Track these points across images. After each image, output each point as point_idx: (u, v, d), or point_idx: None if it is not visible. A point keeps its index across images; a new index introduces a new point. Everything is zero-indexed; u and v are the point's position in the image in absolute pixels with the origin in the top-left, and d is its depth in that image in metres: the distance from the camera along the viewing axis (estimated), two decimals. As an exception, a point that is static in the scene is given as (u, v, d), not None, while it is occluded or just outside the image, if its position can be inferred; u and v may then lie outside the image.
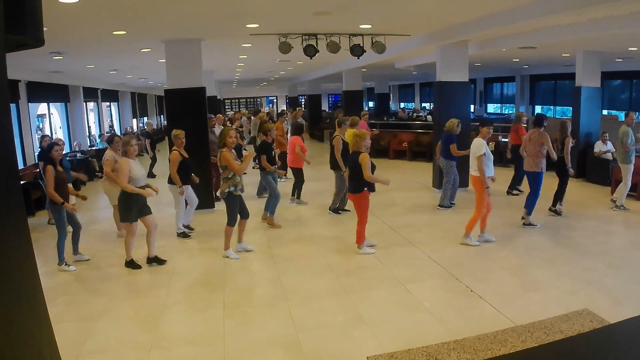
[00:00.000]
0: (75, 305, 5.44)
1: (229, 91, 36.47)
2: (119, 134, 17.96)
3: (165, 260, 6.63)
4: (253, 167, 12.96)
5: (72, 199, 7.08)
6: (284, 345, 4.39)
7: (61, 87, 15.92)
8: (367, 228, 6.85)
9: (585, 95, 11.68)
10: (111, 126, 22.71)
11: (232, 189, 6.48)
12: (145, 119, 27.46)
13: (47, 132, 15.11)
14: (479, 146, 6.83)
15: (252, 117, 18.96)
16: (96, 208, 10.53)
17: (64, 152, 7.50)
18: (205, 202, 8.99)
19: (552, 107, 21.15)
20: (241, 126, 18.08)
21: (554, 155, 7.80)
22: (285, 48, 9.05)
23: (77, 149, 15.11)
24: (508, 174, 10.72)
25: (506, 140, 13.67)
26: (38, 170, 9.58)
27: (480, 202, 6.86)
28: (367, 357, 3.24)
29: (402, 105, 34.27)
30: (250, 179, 10.85)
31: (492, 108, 26.01)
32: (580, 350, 2.69)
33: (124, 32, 8.19)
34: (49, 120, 16.00)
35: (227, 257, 6.77)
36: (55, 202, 6.32)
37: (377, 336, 4.46)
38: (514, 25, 7.76)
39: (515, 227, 7.74)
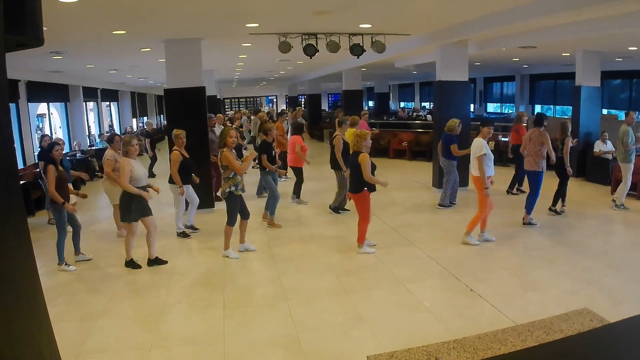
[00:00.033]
0: (75, 305, 5.44)
1: (229, 91, 36.47)
2: (119, 133, 17.94)
3: (166, 261, 6.63)
4: (253, 167, 12.96)
5: (73, 198, 7.07)
6: (284, 345, 4.40)
7: (61, 87, 15.92)
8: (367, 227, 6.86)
9: (585, 94, 11.68)
10: (111, 126, 22.71)
11: (233, 188, 6.48)
12: (145, 118, 27.45)
13: (47, 132, 15.11)
14: (480, 146, 6.83)
15: (252, 117, 18.97)
16: (96, 208, 10.53)
17: (64, 152, 7.50)
18: (205, 201, 8.99)
19: (551, 106, 21.14)
20: (241, 126, 18.08)
21: (553, 157, 7.78)
22: (285, 47, 9.05)
23: (76, 149, 15.11)
24: (508, 173, 10.72)
25: (506, 139, 13.69)
26: (38, 170, 9.57)
27: (482, 202, 6.86)
28: (367, 357, 3.24)
29: (402, 104, 34.25)
30: (250, 179, 10.84)
31: (491, 107, 26.00)
32: (581, 349, 2.69)
33: (124, 32, 8.18)
34: (49, 120, 16.01)
35: (227, 256, 6.77)
36: (55, 202, 6.32)
37: (377, 336, 4.47)
38: (513, 24, 7.76)
39: (515, 227, 7.74)
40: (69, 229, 6.67)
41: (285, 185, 10.89)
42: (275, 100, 42.44)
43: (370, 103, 34.36)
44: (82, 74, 16.02)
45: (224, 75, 21.26)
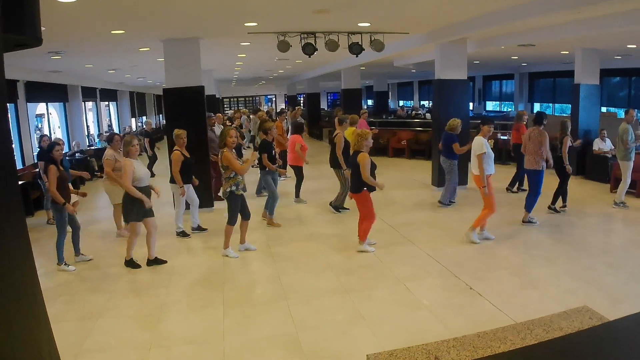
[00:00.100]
0: (75, 304, 5.44)
1: (228, 90, 36.44)
2: (118, 133, 17.91)
3: (166, 261, 6.63)
4: (253, 166, 12.94)
5: (73, 197, 7.06)
6: (283, 344, 4.40)
7: (59, 87, 15.90)
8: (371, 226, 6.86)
9: (584, 92, 11.69)
10: (110, 125, 22.69)
11: (233, 188, 6.47)
12: (144, 118, 27.43)
13: (46, 132, 15.11)
14: (480, 144, 6.83)
15: (251, 116, 18.97)
16: (95, 208, 10.53)
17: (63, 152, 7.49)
18: (205, 201, 8.98)
19: (551, 104, 21.15)
20: (241, 125, 18.07)
21: (551, 160, 7.74)
22: (283, 46, 9.05)
23: (76, 149, 15.10)
24: (507, 171, 10.74)
25: (505, 138, 13.70)
26: (37, 170, 9.57)
27: (489, 201, 6.85)
28: (367, 356, 3.24)
29: (401, 103, 34.28)
30: (250, 178, 10.82)
31: (490, 106, 26.00)
32: (580, 347, 2.69)
33: (123, 32, 8.18)
34: (48, 120, 16.00)
35: (227, 255, 6.77)
36: (57, 202, 6.32)
37: (377, 335, 4.47)
38: (512, 23, 7.77)
39: (515, 225, 7.74)
40: (69, 229, 6.67)
41: (284, 184, 10.89)
42: (274, 99, 42.41)
43: (369, 102, 34.34)
44: (81, 73, 16.01)
45: (222, 74, 21.25)
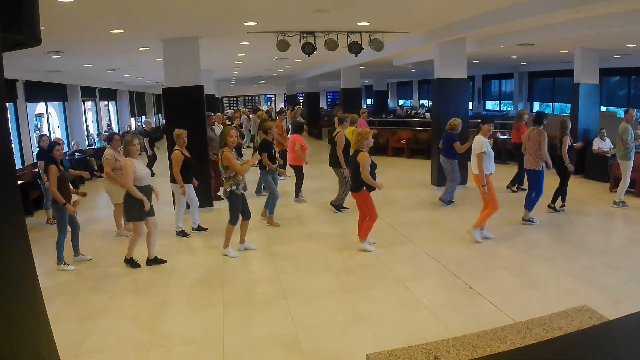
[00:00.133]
0: (75, 304, 5.44)
1: (227, 89, 36.42)
2: (116, 132, 17.89)
3: (165, 261, 6.62)
4: (254, 166, 12.93)
5: (73, 197, 7.06)
6: (283, 344, 4.39)
7: (59, 87, 15.89)
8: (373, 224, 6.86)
9: (583, 91, 11.69)
10: (109, 125, 22.67)
11: (234, 187, 6.47)
12: (144, 117, 27.42)
13: (45, 132, 15.10)
14: (480, 143, 6.84)
15: (250, 116, 18.95)
16: (95, 207, 10.53)
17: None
18: (204, 201, 8.98)
19: (550, 103, 21.15)
20: (241, 125, 18.06)
21: (549, 162, 7.72)
22: (283, 46, 9.04)
23: (75, 148, 15.09)
24: (506, 171, 10.74)
25: (505, 137, 13.71)
26: (36, 169, 9.57)
27: (491, 198, 6.85)
28: (367, 355, 3.24)
29: (400, 102, 34.28)
30: (250, 177, 10.82)
31: (490, 105, 26.01)
32: (580, 346, 2.69)
33: (122, 31, 8.17)
34: (47, 119, 15.98)
35: (226, 255, 6.77)
36: (57, 202, 6.31)
37: (377, 334, 4.47)
38: (512, 22, 7.76)
39: (515, 225, 7.74)
40: (68, 228, 6.66)
41: (284, 184, 10.89)
42: (273, 98, 42.39)
43: (369, 101, 34.35)
44: (80, 73, 15.99)
45: (222, 74, 21.24)
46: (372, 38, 9.53)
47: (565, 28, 8.86)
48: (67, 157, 10.91)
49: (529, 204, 7.82)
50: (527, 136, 8.02)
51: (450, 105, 10.17)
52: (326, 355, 4.18)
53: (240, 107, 32.95)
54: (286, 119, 14.77)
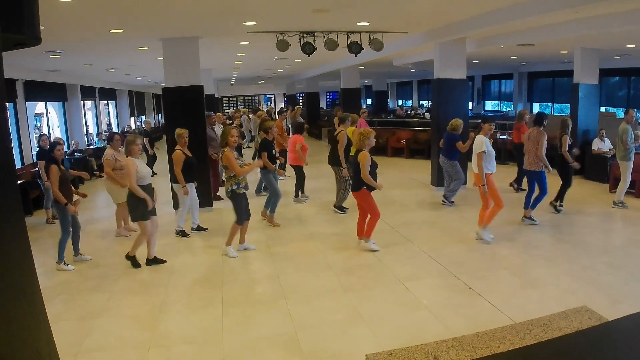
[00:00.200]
0: (74, 304, 5.44)
1: (227, 89, 36.42)
2: (116, 132, 17.87)
3: (165, 261, 6.62)
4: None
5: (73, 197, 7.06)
6: (283, 343, 4.40)
7: (58, 86, 15.88)
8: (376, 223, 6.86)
9: (583, 92, 11.70)
10: (109, 125, 22.66)
11: (235, 187, 6.47)
12: (143, 117, 27.41)
13: (45, 131, 15.09)
14: (480, 143, 6.85)
15: (250, 116, 18.94)
16: (95, 207, 10.52)
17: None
18: (204, 200, 8.97)
19: (550, 104, 21.16)
20: (241, 125, 18.05)
21: (546, 162, 7.69)
22: (283, 46, 9.04)
23: (74, 148, 15.09)
24: (505, 171, 10.76)
25: (504, 137, 13.71)
26: (36, 169, 9.56)
27: (495, 197, 6.85)
28: (366, 356, 3.24)
29: (400, 102, 34.28)
30: (251, 177, 10.82)
31: (490, 105, 26.02)
32: (579, 347, 2.69)
33: (122, 31, 8.17)
34: (47, 119, 15.97)
35: (226, 254, 6.77)
36: (59, 202, 6.32)
37: (376, 334, 4.47)
38: (512, 22, 7.77)
39: (515, 225, 7.75)
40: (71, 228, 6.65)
41: (284, 184, 10.88)
42: (273, 98, 42.39)
43: (369, 101, 34.37)
44: (80, 72, 15.99)
45: (222, 73, 21.25)
46: (371, 38, 9.53)
47: (565, 28, 8.87)
48: (67, 157, 10.92)
49: (528, 204, 7.83)
50: (527, 137, 8.03)
51: (450, 105, 10.17)
52: (326, 355, 4.18)
53: (240, 107, 32.96)
54: (286, 119, 14.77)
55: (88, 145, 17.49)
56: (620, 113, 14.89)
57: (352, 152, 7.89)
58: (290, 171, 10.53)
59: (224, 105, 37.91)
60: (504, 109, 24.08)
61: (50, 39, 7.95)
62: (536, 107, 21.46)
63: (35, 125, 15.15)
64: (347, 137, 8.59)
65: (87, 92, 18.62)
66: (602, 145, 11.02)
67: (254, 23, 8.26)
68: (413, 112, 24.14)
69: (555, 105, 20.87)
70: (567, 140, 8.13)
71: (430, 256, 6.51)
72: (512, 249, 6.70)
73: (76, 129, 17.18)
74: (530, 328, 3.43)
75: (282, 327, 4.70)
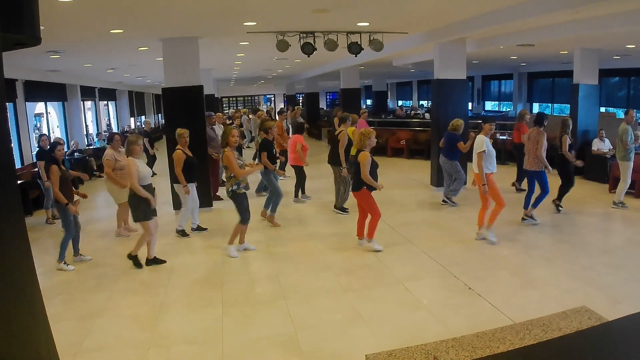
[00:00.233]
0: (74, 304, 5.44)
1: (227, 89, 36.42)
2: (117, 132, 17.87)
3: (165, 261, 6.62)
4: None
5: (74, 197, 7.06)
6: (282, 343, 4.40)
7: (58, 86, 15.88)
8: (365, 226, 6.86)
9: (583, 92, 11.70)
10: (109, 125, 22.66)
11: (235, 187, 6.46)
12: (143, 117, 27.42)
13: (45, 132, 15.08)
14: (480, 142, 6.87)
15: (250, 116, 18.95)
16: (95, 207, 10.52)
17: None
18: (204, 201, 8.97)
19: (549, 104, 21.16)
20: (241, 125, 18.06)
21: (546, 162, 7.69)
22: (282, 46, 9.04)
23: (74, 148, 15.09)
24: (505, 171, 10.76)
25: (504, 137, 13.71)
26: (36, 169, 9.56)
27: (496, 197, 6.85)
28: (366, 356, 3.24)
29: (399, 103, 34.29)
30: (251, 177, 10.81)
31: (489, 105, 26.02)
32: (579, 347, 2.69)
33: (122, 31, 8.17)
34: (47, 119, 15.97)
35: (228, 253, 6.76)
36: (60, 202, 6.32)
37: (376, 334, 4.47)
38: (511, 23, 7.77)
39: (515, 225, 7.75)
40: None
41: (284, 184, 10.87)
42: (273, 98, 42.40)
43: (368, 101, 34.37)
44: (80, 73, 15.99)
45: (221, 74, 21.24)
46: (371, 38, 9.53)
47: (565, 28, 8.87)
48: (67, 157, 10.92)
49: (527, 204, 7.84)
50: (527, 137, 8.03)
51: (450, 105, 10.17)
52: (325, 355, 4.18)
53: (240, 108, 32.97)
54: (286, 119, 14.78)
55: (88, 145, 17.48)
56: (620, 113, 14.90)
57: (353, 152, 7.89)
58: (290, 171, 10.52)
59: (224, 105, 37.91)
60: (504, 109, 24.08)
61: (50, 39, 7.95)
62: (536, 108, 21.46)
63: (35, 126, 15.15)
64: (348, 137, 8.59)
65: (87, 92, 18.63)
66: (601, 145, 11.03)
67: (254, 23, 8.26)
68: (413, 112, 24.14)
69: (555, 105, 20.87)
70: (567, 140, 8.13)
71: (430, 256, 6.51)
72: (512, 249, 6.70)
73: (76, 129, 17.18)
74: (530, 328, 3.44)
75: (282, 327, 4.70)
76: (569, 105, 13.40)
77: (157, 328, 4.79)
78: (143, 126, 19.43)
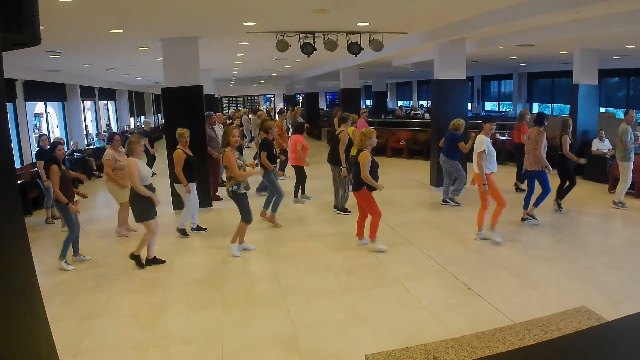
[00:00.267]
0: (73, 304, 5.44)
1: (227, 89, 36.41)
2: (117, 132, 17.86)
3: (164, 261, 6.62)
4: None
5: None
6: (282, 343, 4.40)
7: (58, 86, 15.88)
8: (365, 226, 6.85)
9: (582, 92, 11.70)
10: (108, 125, 22.66)
11: (235, 187, 6.46)
12: (143, 117, 27.42)
13: (44, 131, 15.08)
14: (480, 142, 6.87)
15: (250, 116, 18.95)
16: (94, 207, 10.51)
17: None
18: (203, 201, 8.97)
19: (549, 104, 21.17)
20: (241, 124, 18.05)
21: (545, 162, 7.69)
22: (282, 46, 9.04)
23: (74, 148, 15.08)
24: (505, 171, 10.76)
25: (504, 137, 13.71)
26: (35, 169, 9.56)
27: (497, 196, 6.85)
28: (366, 356, 3.24)
29: (399, 103, 34.29)
30: (251, 177, 10.82)
31: (489, 106, 26.03)
32: (578, 347, 2.69)
33: (121, 31, 8.17)
34: (46, 119, 15.96)
35: (231, 251, 6.76)
36: (61, 202, 6.32)
37: (376, 334, 4.47)
38: (511, 23, 7.77)
39: (515, 225, 7.75)
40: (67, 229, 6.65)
41: (284, 184, 10.87)
42: (272, 98, 42.39)
43: (368, 102, 34.38)
44: (80, 73, 15.99)
45: (221, 74, 21.24)
46: (371, 38, 9.54)
47: (565, 29, 8.87)
48: (66, 157, 10.91)
49: (527, 205, 7.84)
50: (527, 137, 8.04)
51: (450, 105, 10.17)
52: (325, 355, 4.18)
53: (240, 107, 32.96)
54: (286, 119, 14.77)
55: (87, 145, 17.48)
56: (620, 114, 14.91)
57: (354, 152, 7.88)
58: (289, 171, 10.50)
59: (224, 105, 37.90)
60: (504, 110, 24.09)
61: (50, 39, 7.95)
62: (536, 108, 21.47)
63: (35, 125, 15.14)
64: (349, 136, 8.58)
65: (87, 92, 18.62)
66: (601, 145, 11.04)
67: (254, 23, 8.26)
68: (412, 112, 24.14)
69: (555, 105, 20.88)
70: (568, 140, 8.14)
71: (430, 256, 6.51)
72: (511, 249, 6.70)
73: (75, 129, 17.17)
74: (530, 328, 3.44)
75: (282, 327, 4.70)
76: (568, 106, 13.41)
77: (157, 328, 4.79)
78: (143, 126, 19.43)
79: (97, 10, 6.55)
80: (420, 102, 30.93)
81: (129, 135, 8.70)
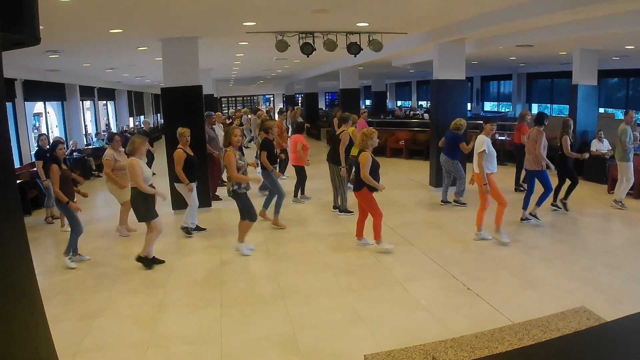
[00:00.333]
0: (73, 304, 5.43)
1: (226, 89, 36.40)
2: (116, 132, 17.85)
3: (164, 261, 6.61)
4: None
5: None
6: (281, 343, 4.40)
7: (57, 86, 15.87)
8: (365, 226, 6.86)
9: (581, 93, 11.71)
10: (107, 125, 22.65)
11: (235, 187, 6.46)
12: (142, 117, 27.40)
13: (44, 131, 15.07)
14: (481, 142, 6.88)
15: (250, 116, 18.94)
16: (94, 207, 10.50)
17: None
18: (203, 201, 8.96)
19: (548, 105, 21.18)
20: (241, 124, 18.05)
21: (545, 160, 7.69)
22: (282, 46, 9.04)
23: (73, 148, 15.07)
24: (504, 171, 10.75)
25: (503, 138, 13.72)
26: (34, 169, 9.55)
27: (497, 196, 6.85)
28: (365, 356, 3.24)
29: (399, 103, 34.29)
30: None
31: (488, 106, 26.03)
32: (577, 348, 2.69)
33: (121, 30, 8.17)
34: (45, 118, 15.96)
35: (241, 251, 6.78)
36: (62, 201, 6.32)
37: (375, 335, 4.48)
38: (511, 23, 7.77)
39: (514, 225, 7.75)
40: (67, 228, 6.64)
41: (284, 184, 10.86)
42: (272, 99, 42.39)
43: (367, 102, 34.38)
44: (79, 72, 15.98)
45: (221, 74, 21.24)
46: (371, 39, 9.54)
47: (564, 29, 8.88)
48: (66, 157, 10.90)
49: (527, 205, 7.84)
50: (527, 137, 8.05)
51: (449, 106, 10.18)
52: (324, 355, 4.18)
53: (240, 107, 32.96)
54: (286, 119, 14.78)
55: (87, 145, 17.47)
56: (619, 114, 14.92)
57: (354, 152, 7.88)
58: (289, 172, 10.49)
59: (223, 105, 37.89)
60: (503, 110, 24.09)
61: (50, 39, 7.95)
62: (535, 108, 21.47)
63: (34, 125, 15.13)
64: (349, 136, 8.58)
65: (86, 92, 18.61)
66: (600, 146, 11.04)
67: (254, 23, 8.26)
68: (412, 112, 24.15)
69: (554, 106, 20.88)
70: (568, 140, 8.14)
71: (429, 257, 6.51)
72: (511, 249, 6.71)
73: (75, 129, 17.16)
74: (529, 329, 3.44)
75: (281, 327, 4.70)
76: (567, 106, 13.41)
77: (157, 328, 4.79)
78: (142, 126, 19.42)
79: (97, 10, 6.55)
80: (420, 103, 30.93)
81: (129, 135, 8.70)
